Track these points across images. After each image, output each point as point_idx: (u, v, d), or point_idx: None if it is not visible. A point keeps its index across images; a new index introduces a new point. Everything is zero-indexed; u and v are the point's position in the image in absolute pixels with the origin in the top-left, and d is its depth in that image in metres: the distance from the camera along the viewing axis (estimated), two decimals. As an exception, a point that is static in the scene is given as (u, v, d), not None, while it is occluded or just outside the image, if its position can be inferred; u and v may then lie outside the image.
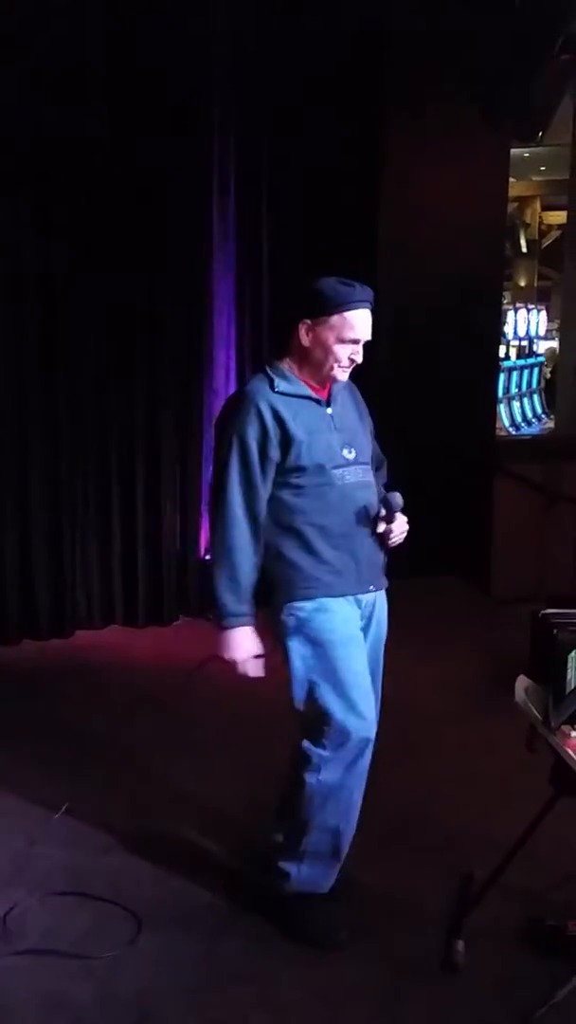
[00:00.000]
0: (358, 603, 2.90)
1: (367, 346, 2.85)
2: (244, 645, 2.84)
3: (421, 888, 3.17)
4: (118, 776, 3.86)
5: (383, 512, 2.89)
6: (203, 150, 5.37)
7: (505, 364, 6.83)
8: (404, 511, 2.91)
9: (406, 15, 5.54)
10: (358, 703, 2.82)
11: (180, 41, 5.14)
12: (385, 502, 2.89)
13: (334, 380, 2.86)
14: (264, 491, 2.80)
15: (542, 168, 14.38)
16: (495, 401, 6.48)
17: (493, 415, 6.44)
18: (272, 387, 2.79)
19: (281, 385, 2.80)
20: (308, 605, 2.83)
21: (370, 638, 2.96)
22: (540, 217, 17.27)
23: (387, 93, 5.66)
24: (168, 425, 5.45)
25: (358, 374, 2.92)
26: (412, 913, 3.05)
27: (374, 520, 2.89)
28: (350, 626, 2.87)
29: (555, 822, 2.81)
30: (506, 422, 9.82)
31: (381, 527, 2.88)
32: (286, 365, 2.85)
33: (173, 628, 5.59)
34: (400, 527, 2.92)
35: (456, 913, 2.99)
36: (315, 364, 2.82)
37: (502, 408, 8.42)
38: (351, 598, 2.88)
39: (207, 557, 2.80)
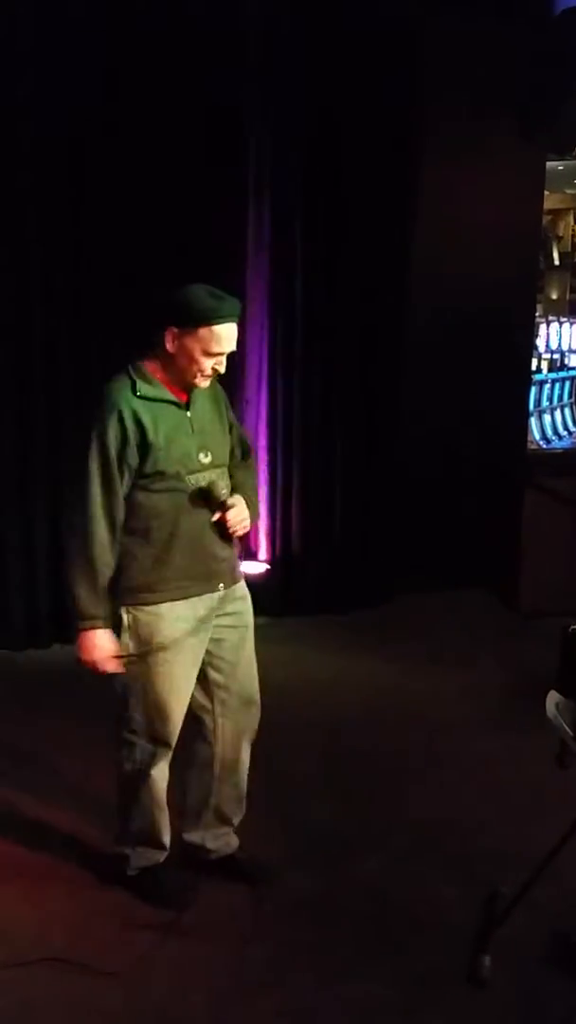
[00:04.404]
0: (208, 602, 2.96)
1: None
2: (101, 645, 2.88)
3: (447, 900, 3.16)
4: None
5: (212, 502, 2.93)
6: (238, 160, 5.39)
7: (537, 377, 6.77)
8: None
9: (442, 27, 5.54)
10: (167, 710, 2.95)
11: (215, 47, 5.16)
12: (202, 492, 2.90)
13: (195, 387, 2.89)
14: (121, 494, 2.83)
15: (576, 181, 14.31)
16: (527, 414, 6.43)
17: (524, 428, 6.40)
18: (134, 391, 2.81)
19: (143, 389, 2.82)
20: (148, 609, 2.89)
21: (230, 630, 3.04)
22: (573, 230, 17.17)
23: (422, 104, 5.66)
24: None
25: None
26: (438, 926, 3.04)
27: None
28: (184, 633, 2.91)
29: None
30: (537, 435, 9.73)
31: (215, 516, 2.91)
32: (149, 367, 2.87)
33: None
34: (236, 515, 2.92)
35: (483, 928, 2.97)
36: (178, 370, 2.85)
37: (533, 421, 8.35)
38: (199, 598, 2.93)
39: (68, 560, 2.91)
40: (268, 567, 5.81)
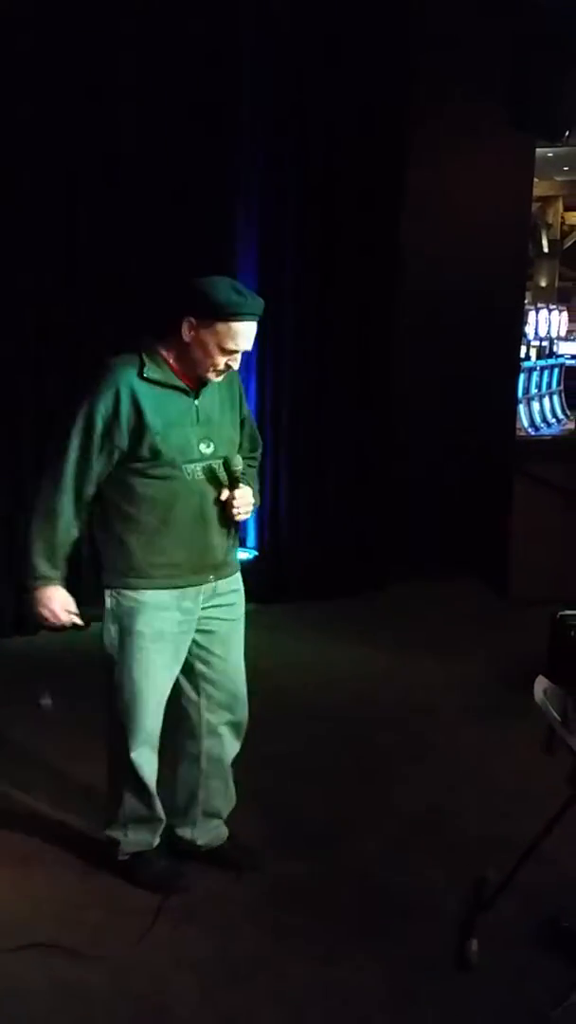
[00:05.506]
0: (196, 594, 2.92)
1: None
2: (57, 598, 2.87)
3: (437, 887, 3.17)
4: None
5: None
6: (228, 151, 5.37)
7: (525, 364, 6.80)
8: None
9: (434, 14, 5.53)
10: (142, 698, 2.93)
11: (209, 37, 5.15)
12: (223, 464, 2.86)
13: (207, 380, 2.82)
14: (97, 470, 2.79)
15: (565, 168, 14.34)
16: (515, 402, 6.46)
17: (513, 416, 6.43)
18: (140, 373, 2.75)
19: (150, 372, 2.76)
20: (131, 594, 2.88)
21: (220, 622, 3.00)
22: (562, 217, 17.20)
23: (413, 92, 5.65)
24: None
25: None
26: (427, 912, 3.05)
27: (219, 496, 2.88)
28: (167, 622, 2.89)
29: (572, 823, 2.80)
30: (525, 423, 9.79)
31: (224, 494, 2.87)
32: (162, 352, 2.80)
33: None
34: (243, 498, 2.89)
35: (470, 912, 2.98)
36: (191, 361, 2.77)
37: (521, 408, 8.40)
38: (186, 590, 2.90)
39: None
40: (256, 553, 5.81)
